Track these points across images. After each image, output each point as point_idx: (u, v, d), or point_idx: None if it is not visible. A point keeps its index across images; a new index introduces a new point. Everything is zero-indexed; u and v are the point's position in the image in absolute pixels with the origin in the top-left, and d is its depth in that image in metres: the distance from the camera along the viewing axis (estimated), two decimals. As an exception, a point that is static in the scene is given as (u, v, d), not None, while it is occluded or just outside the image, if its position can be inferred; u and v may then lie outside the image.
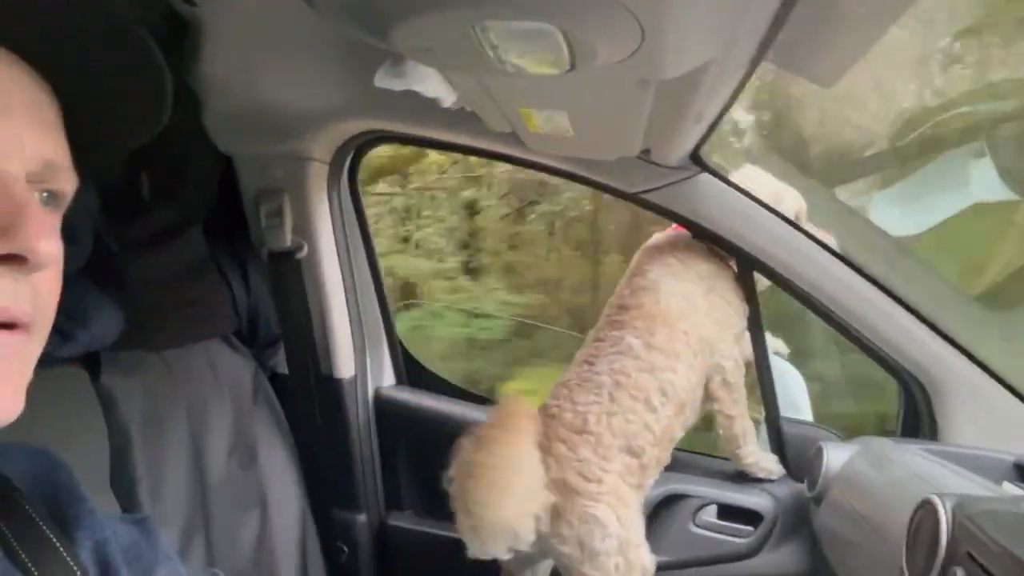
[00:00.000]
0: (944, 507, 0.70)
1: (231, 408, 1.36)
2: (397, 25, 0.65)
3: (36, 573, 0.52)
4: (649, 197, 1.38)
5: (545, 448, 1.28)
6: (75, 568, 0.54)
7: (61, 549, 0.54)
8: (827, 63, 0.83)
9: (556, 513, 1.27)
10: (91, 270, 1.11)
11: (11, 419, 0.47)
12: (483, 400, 1.71)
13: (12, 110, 0.47)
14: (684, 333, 1.35)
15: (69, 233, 0.54)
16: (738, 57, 0.79)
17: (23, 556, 0.52)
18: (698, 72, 0.80)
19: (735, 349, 1.42)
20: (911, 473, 0.99)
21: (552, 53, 0.67)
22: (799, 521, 1.38)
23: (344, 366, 1.58)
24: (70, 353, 1.08)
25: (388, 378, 1.71)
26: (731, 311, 1.42)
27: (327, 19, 0.72)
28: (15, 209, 0.45)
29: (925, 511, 0.74)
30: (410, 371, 1.75)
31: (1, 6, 0.46)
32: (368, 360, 1.64)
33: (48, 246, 0.46)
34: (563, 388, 1.36)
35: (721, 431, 1.43)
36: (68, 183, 0.52)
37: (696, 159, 1.31)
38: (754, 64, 0.83)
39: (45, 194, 0.50)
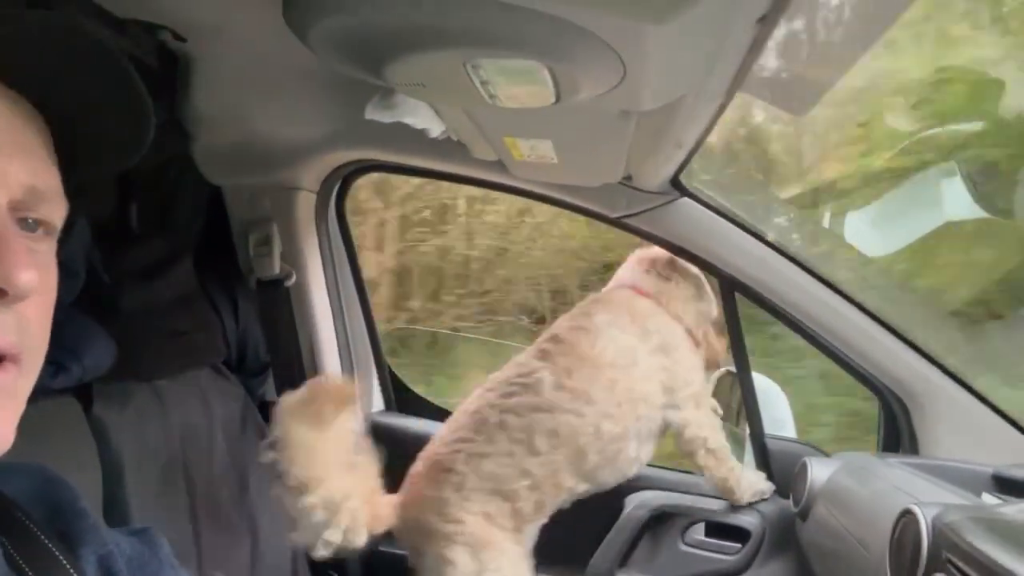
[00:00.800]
0: (925, 516, 0.73)
1: (221, 437, 1.37)
2: (391, 62, 0.68)
3: None
4: (632, 222, 1.41)
5: (411, 483, 1.31)
6: None
7: (67, 565, 0.54)
8: (800, 93, 0.87)
9: (416, 552, 1.28)
10: (83, 301, 1.12)
11: (3, 451, 0.47)
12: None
13: None
14: (610, 380, 1.31)
15: (64, 265, 0.54)
16: (715, 88, 0.83)
17: (29, 574, 0.53)
18: (677, 102, 0.84)
19: (693, 411, 1.37)
20: (892, 486, 1.02)
21: (538, 87, 0.71)
22: (786, 537, 1.40)
23: (333, 393, 1.58)
24: (63, 385, 1.08)
25: (377, 404, 1.72)
26: (683, 372, 1.38)
27: (322, 57, 0.74)
28: None
29: (907, 520, 0.77)
30: (399, 397, 1.76)
31: None
32: (357, 387, 1.65)
33: (28, 276, 0.45)
34: (454, 418, 1.36)
35: (706, 482, 1.43)
36: (56, 210, 0.51)
37: (676, 184, 1.34)
38: (730, 94, 0.86)
39: (31, 221, 0.49)
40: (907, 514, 0.77)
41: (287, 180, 1.51)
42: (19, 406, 0.48)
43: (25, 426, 0.48)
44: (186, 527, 1.25)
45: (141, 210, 1.44)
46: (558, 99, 0.74)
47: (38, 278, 0.46)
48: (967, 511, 0.73)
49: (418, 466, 1.34)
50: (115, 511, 1.11)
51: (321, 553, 1.16)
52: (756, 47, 0.72)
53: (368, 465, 1.24)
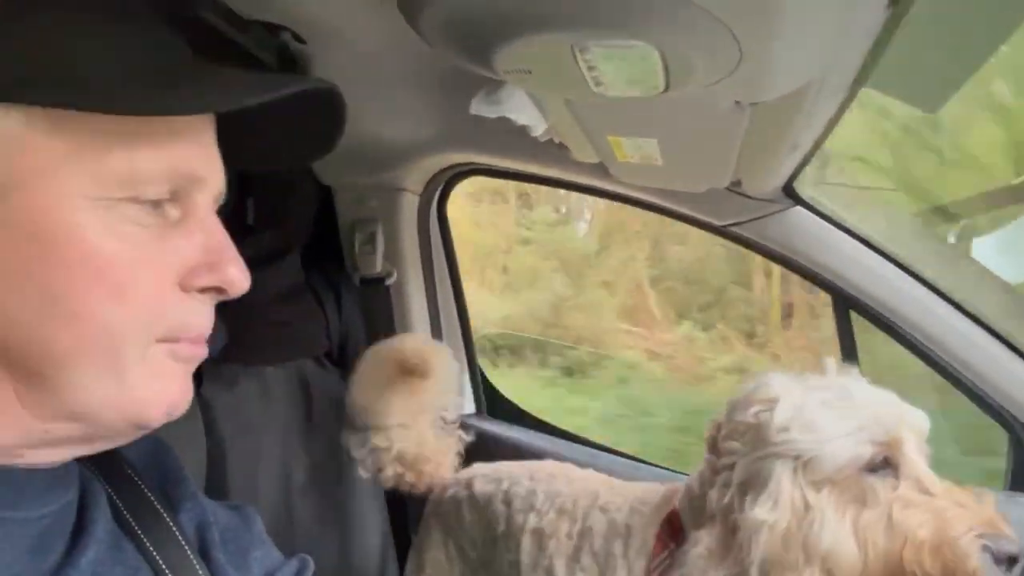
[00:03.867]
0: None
1: (321, 426, 1.41)
2: (499, 48, 0.68)
3: (145, 540, 0.55)
4: (739, 231, 1.35)
5: None
6: (181, 540, 0.57)
7: (169, 521, 0.57)
8: (930, 87, 0.80)
9: None
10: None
11: (182, 413, 0.52)
12: (563, 433, 1.69)
13: (213, 148, 0.52)
14: None
15: None
16: (838, 80, 0.78)
17: (133, 524, 0.55)
18: (795, 97, 0.79)
19: None
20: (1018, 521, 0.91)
21: (647, 73, 0.68)
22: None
23: (427, 392, 1.60)
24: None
25: (469, 407, 1.72)
26: None
27: (434, 45, 0.75)
28: (220, 245, 0.51)
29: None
30: (491, 401, 1.76)
31: None
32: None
33: (246, 281, 0.53)
34: None
35: None
36: (222, 198, 0.56)
37: (789, 192, 1.28)
38: (855, 88, 0.81)
39: None
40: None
41: (392, 181, 1.55)
42: None
43: None
44: (280, 511, 1.29)
45: (257, 205, 1.51)
46: (668, 87, 0.71)
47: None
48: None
49: None
50: (216, 487, 1.16)
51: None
52: (886, 33, 0.67)
53: (450, 433, 1.31)
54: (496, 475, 1.21)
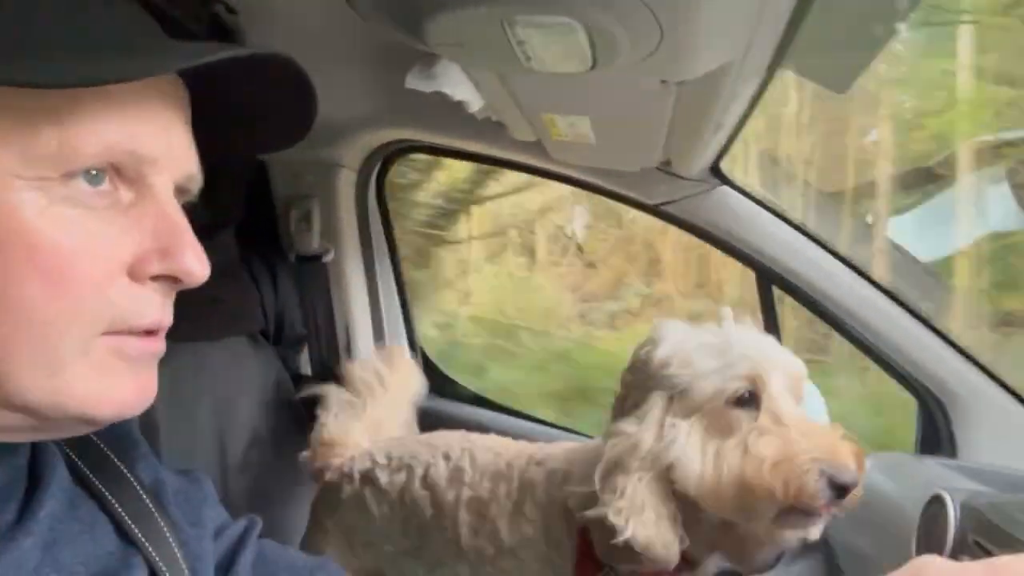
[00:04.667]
0: (953, 500, 0.71)
1: (255, 404, 1.40)
2: (431, 20, 0.69)
3: (107, 493, 0.55)
4: (669, 209, 1.40)
5: None
6: (141, 492, 0.57)
7: (128, 475, 0.57)
8: (840, 68, 0.85)
9: None
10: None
11: (147, 406, 0.51)
12: (506, 410, 1.72)
13: (171, 127, 0.49)
14: None
15: None
16: (756, 61, 0.82)
17: (94, 479, 0.55)
18: (717, 77, 0.83)
19: None
20: (925, 480, 0.99)
21: (574, 50, 0.71)
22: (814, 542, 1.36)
23: (366, 370, 1.61)
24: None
25: (409, 384, 1.73)
26: None
27: (366, 18, 0.76)
28: (174, 230, 0.48)
29: (935, 505, 0.75)
30: (432, 379, 1.77)
31: None
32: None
33: (204, 271, 0.49)
34: None
35: None
36: (196, 186, 0.54)
37: (716, 171, 1.33)
38: (772, 69, 0.85)
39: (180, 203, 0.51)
40: (935, 500, 0.75)
41: (329, 157, 1.54)
42: None
43: None
44: (216, 487, 1.28)
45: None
46: (594, 64, 0.74)
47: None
48: (997, 498, 0.71)
49: None
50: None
51: None
52: (798, 13, 0.71)
53: None
54: (399, 462, 1.20)
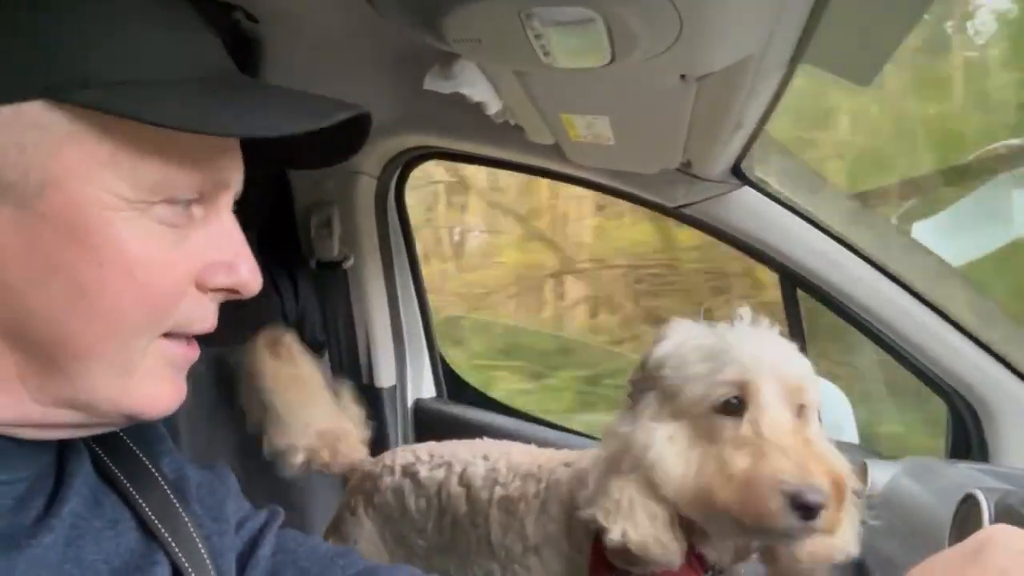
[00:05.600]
0: (987, 499, 0.69)
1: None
2: (448, 15, 0.69)
3: (131, 488, 0.56)
4: (690, 211, 1.39)
5: None
6: (165, 487, 0.58)
7: (153, 470, 0.58)
8: (863, 60, 0.84)
9: None
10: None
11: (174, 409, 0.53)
12: (522, 415, 1.71)
13: (238, 153, 0.52)
14: None
15: None
16: (777, 55, 0.81)
17: (119, 474, 0.56)
18: (737, 72, 0.82)
19: None
20: (957, 483, 0.96)
21: (593, 43, 0.70)
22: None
23: (385, 375, 1.62)
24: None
25: (428, 390, 1.73)
26: None
27: (385, 15, 0.76)
28: (236, 245, 0.52)
29: (968, 505, 0.73)
30: (450, 384, 1.77)
31: None
32: (409, 371, 1.67)
33: (257, 281, 0.53)
34: None
35: None
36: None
37: (737, 172, 1.31)
38: (793, 64, 0.84)
39: None
40: (968, 499, 0.73)
41: (349, 164, 1.55)
42: None
43: None
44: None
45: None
46: (613, 58, 0.74)
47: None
48: (1035, 496, 0.68)
49: None
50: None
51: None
52: (819, 5, 0.70)
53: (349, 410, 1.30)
54: (440, 459, 1.21)
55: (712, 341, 0.89)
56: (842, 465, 0.84)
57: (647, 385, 0.92)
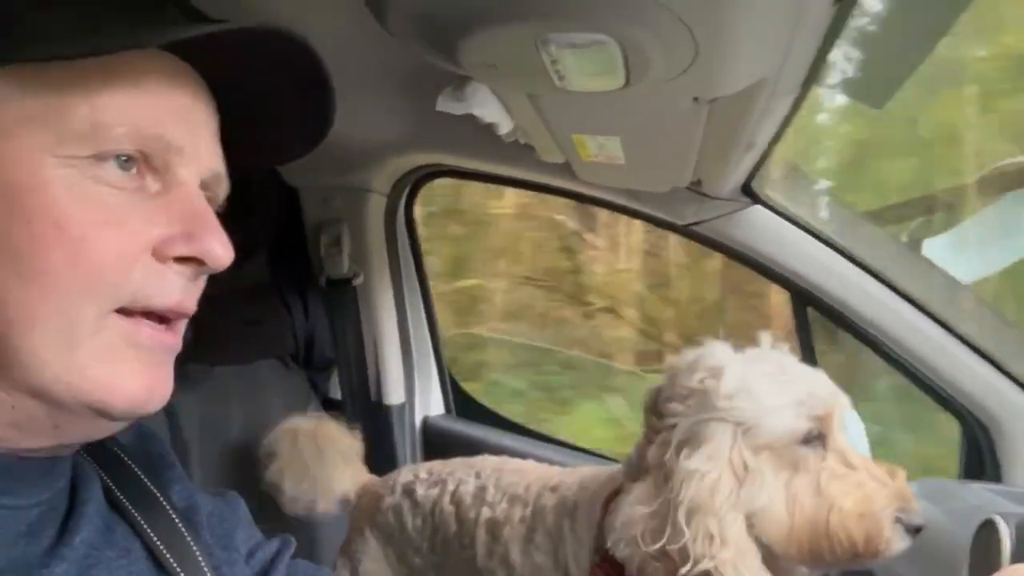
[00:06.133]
0: (1007, 524, 0.68)
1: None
2: (464, 41, 0.69)
3: (140, 518, 0.55)
4: (700, 229, 1.39)
5: None
6: (174, 517, 0.57)
7: (162, 500, 0.58)
8: (877, 82, 0.84)
9: None
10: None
11: (162, 406, 0.51)
12: (530, 433, 1.71)
13: (197, 123, 0.51)
14: None
15: None
16: (791, 77, 0.81)
17: (127, 504, 0.55)
18: (750, 94, 0.82)
19: None
20: (972, 505, 0.95)
21: (608, 67, 0.71)
22: (859, 569, 1.32)
23: (394, 393, 1.61)
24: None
25: (437, 407, 1.73)
26: None
27: (400, 39, 0.77)
28: (199, 215, 0.49)
29: (987, 531, 0.72)
30: (459, 402, 1.77)
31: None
32: (417, 388, 1.67)
33: (228, 253, 0.50)
34: None
35: None
36: (223, 191, 0.56)
37: (747, 191, 1.31)
38: (806, 86, 0.84)
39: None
40: (987, 524, 0.72)
41: (359, 183, 1.56)
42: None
43: None
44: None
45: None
46: (628, 82, 0.74)
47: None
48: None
49: None
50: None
51: None
52: (834, 29, 0.70)
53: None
54: (437, 477, 1.21)
55: (778, 371, 0.89)
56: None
57: (708, 417, 0.87)
